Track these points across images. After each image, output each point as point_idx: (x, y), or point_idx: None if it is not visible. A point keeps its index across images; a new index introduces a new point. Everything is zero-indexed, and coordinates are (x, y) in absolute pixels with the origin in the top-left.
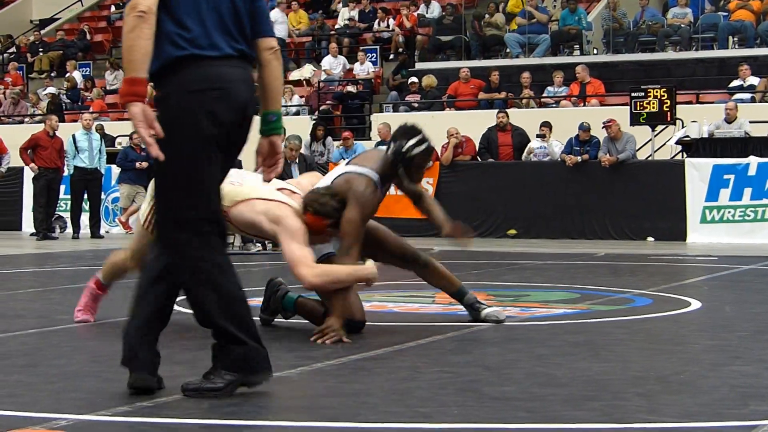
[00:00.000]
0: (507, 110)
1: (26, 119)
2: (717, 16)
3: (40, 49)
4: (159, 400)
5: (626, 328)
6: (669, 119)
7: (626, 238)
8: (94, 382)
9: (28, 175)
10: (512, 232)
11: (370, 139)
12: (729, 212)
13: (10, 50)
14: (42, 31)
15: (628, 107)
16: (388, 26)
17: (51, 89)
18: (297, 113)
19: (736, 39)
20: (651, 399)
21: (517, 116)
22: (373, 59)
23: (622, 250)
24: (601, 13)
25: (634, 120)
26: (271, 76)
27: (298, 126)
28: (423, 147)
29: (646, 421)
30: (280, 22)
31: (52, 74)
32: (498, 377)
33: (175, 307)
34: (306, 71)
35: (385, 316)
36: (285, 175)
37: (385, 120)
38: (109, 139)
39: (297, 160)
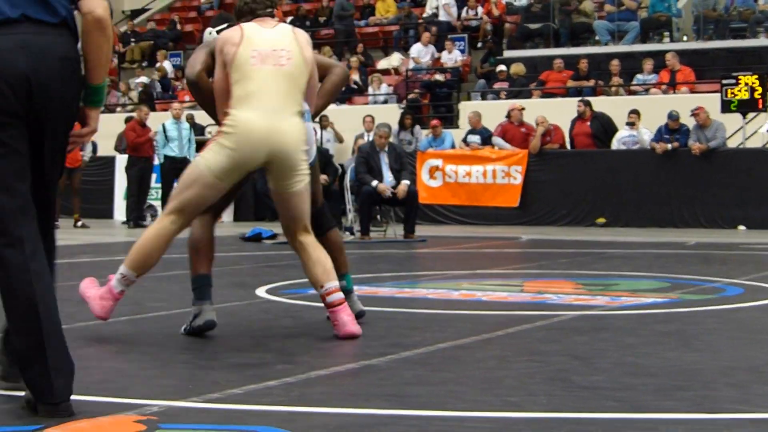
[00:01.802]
0: (590, 98)
1: (117, 108)
2: None
3: (132, 39)
4: (249, 387)
5: (717, 317)
6: (761, 107)
7: (717, 227)
8: (185, 369)
9: (120, 164)
10: (601, 220)
11: (458, 127)
12: None
13: None
14: (134, 21)
15: (719, 95)
16: (476, 14)
17: (143, 78)
18: (385, 102)
19: None
20: (742, 389)
21: (606, 104)
22: (461, 48)
23: (713, 238)
24: None
25: (725, 108)
26: (88, 47)
27: (387, 115)
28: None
29: (738, 411)
30: None
31: (143, 64)
32: (587, 366)
33: (265, 295)
34: (394, 60)
35: (474, 305)
36: (374, 164)
37: (473, 108)
38: (198, 129)
39: (386, 149)
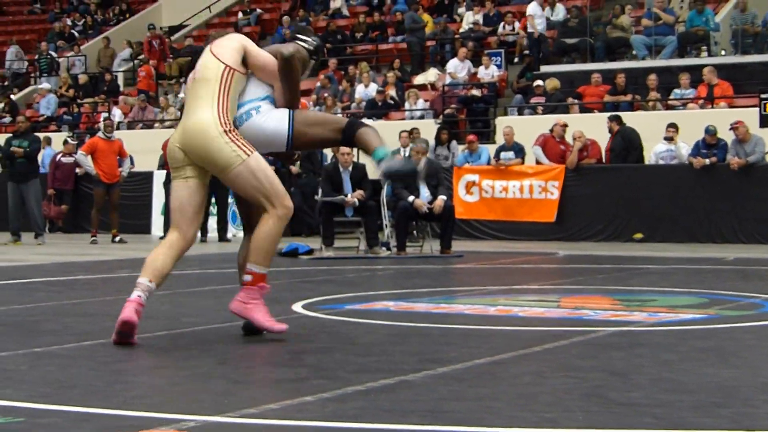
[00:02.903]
0: (627, 113)
1: (156, 124)
2: None
3: (170, 56)
4: (285, 402)
5: (756, 333)
6: None
7: (756, 242)
8: (222, 384)
9: (158, 179)
10: (638, 235)
11: (494, 142)
12: None
13: (141, 57)
14: (171, 38)
15: (758, 109)
16: (513, 29)
17: (182, 95)
18: (422, 117)
19: None
20: None
21: (643, 119)
22: (497, 63)
23: (752, 254)
24: (729, 13)
25: (764, 122)
26: None
27: (423, 130)
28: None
29: None
30: None
31: (181, 80)
32: (624, 383)
33: (301, 310)
34: (430, 75)
35: (511, 320)
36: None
37: (509, 123)
38: None
39: (422, 163)
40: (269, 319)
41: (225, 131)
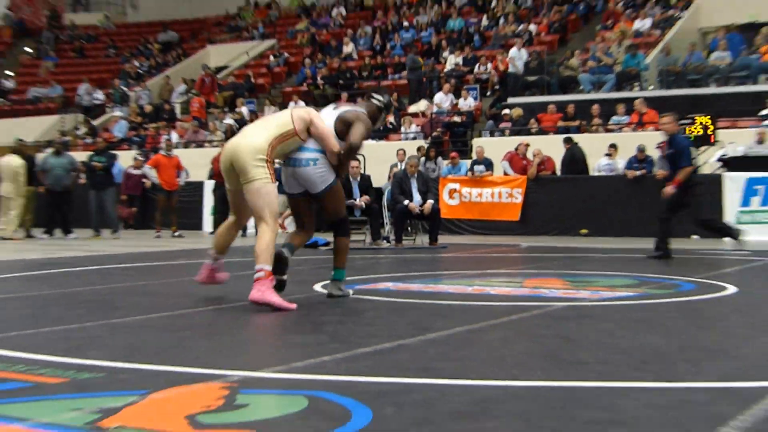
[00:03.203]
0: (575, 135)
1: (205, 144)
2: (750, 58)
3: (216, 90)
4: (308, 361)
5: (675, 307)
6: (711, 141)
7: (676, 237)
8: (259, 348)
9: (208, 187)
10: (584, 231)
11: (471, 158)
12: (759, 215)
13: (193, 90)
14: (218, 76)
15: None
16: (486, 69)
17: (229, 120)
18: (414, 138)
19: (766, 76)
20: (696, 364)
21: (589, 140)
22: (474, 95)
23: (672, 246)
24: (656, 56)
25: None
26: None
27: (415, 149)
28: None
29: (693, 381)
30: None
31: (225, 109)
32: (573, 346)
33: (320, 290)
34: (421, 105)
35: (485, 297)
36: (406, 187)
37: (482, 144)
38: None
39: (415, 175)
40: (282, 301)
41: (265, 159)
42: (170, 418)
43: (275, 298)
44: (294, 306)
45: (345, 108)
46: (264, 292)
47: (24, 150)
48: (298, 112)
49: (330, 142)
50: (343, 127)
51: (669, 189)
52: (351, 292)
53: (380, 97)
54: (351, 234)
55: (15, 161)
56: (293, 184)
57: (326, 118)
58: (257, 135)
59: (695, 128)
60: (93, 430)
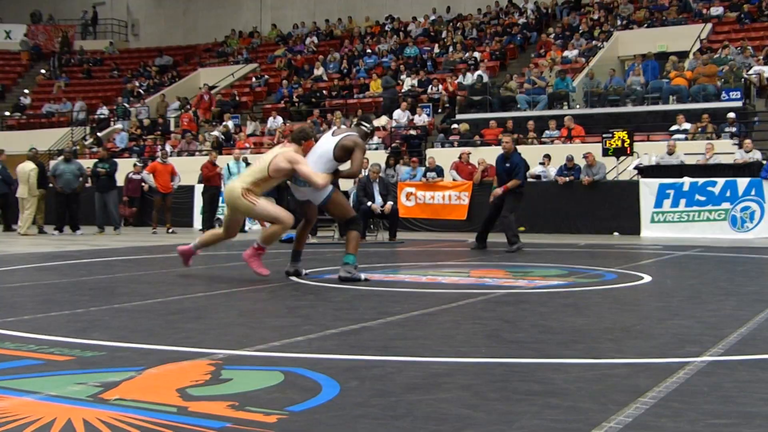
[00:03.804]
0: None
1: (196, 153)
2: (661, 82)
3: (214, 105)
4: (284, 341)
5: (600, 294)
6: (629, 152)
7: (599, 233)
8: (241, 329)
9: (198, 190)
10: (522, 228)
11: (425, 166)
12: (670, 215)
13: (186, 107)
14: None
15: (601, 144)
16: (437, 90)
17: (215, 133)
18: (376, 149)
19: (674, 97)
20: (618, 343)
21: (525, 150)
22: (427, 112)
23: (596, 241)
24: (582, 80)
25: (605, 153)
26: None
27: (378, 157)
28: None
29: (615, 357)
30: None
31: (213, 123)
32: (513, 327)
33: (295, 279)
34: (382, 120)
35: (437, 285)
36: (369, 190)
37: (434, 154)
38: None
39: (377, 180)
40: (260, 267)
41: (243, 195)
42: (163, 391)
43: (255, 265)
44: (267, 272)
45: (342, 134)
46: (250, 256)
47: (37, 157)
48: (277, 163)
49: (313, 182)
50: (342, 153)
51: (498, 191)
52: (363, 276)
53: (368, 125)
54: (360, 225)
55: (28, 166)
56: (299, 194)
57: (324, 143)
58: (240, 180)
59: (615, 141)
60: (96, 402)
